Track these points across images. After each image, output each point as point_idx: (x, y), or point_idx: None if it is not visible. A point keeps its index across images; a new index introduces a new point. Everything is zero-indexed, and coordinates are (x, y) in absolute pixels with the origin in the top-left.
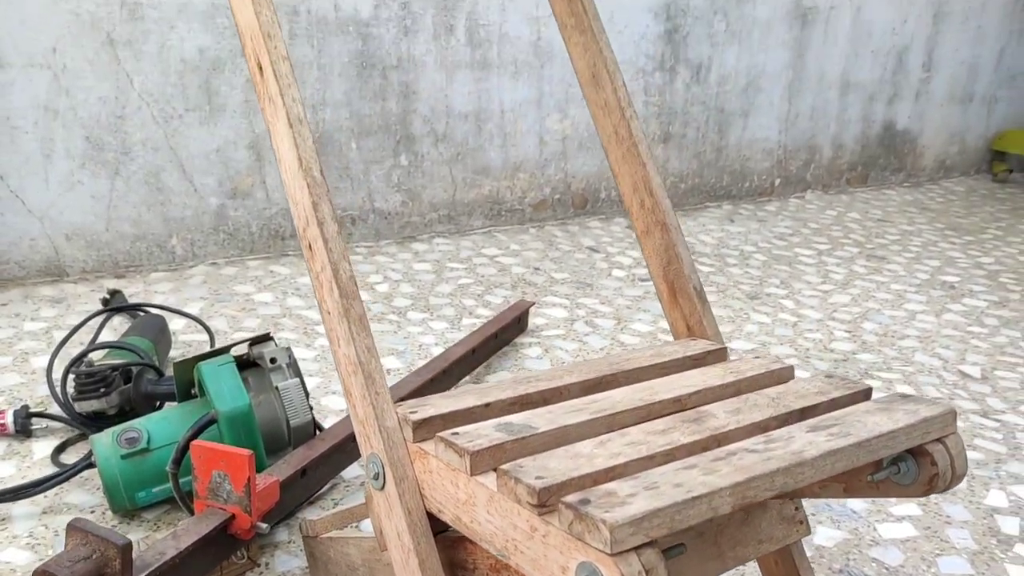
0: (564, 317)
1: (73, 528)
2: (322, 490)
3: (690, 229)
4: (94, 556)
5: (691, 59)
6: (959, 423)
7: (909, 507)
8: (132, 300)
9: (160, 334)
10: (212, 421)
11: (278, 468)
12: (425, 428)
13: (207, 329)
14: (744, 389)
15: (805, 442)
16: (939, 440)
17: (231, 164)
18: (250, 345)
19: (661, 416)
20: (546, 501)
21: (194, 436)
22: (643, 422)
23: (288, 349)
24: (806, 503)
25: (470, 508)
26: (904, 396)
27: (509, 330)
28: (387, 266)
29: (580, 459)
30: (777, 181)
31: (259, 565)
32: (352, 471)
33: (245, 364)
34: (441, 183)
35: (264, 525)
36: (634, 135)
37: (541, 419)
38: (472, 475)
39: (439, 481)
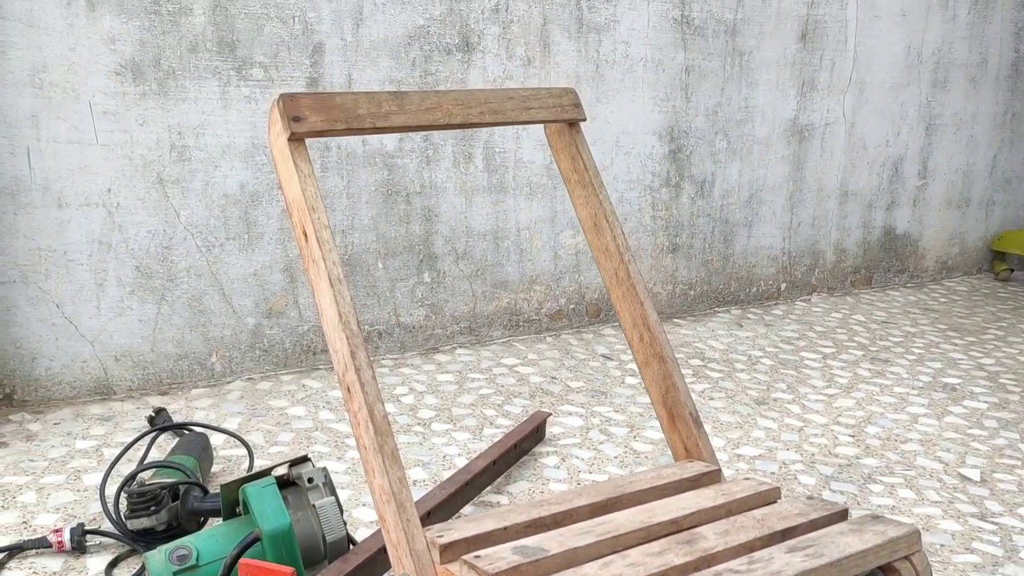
0: (580, 426)
1: None
2: None
3: (700, 335)
4: None
5: (695, 175)
6: (956, 526)
7: None
8: (175, 416)
9: (203, 451)
10: (256, 539)
11: None
12: (451, 551)
13: (245, 445)
14: (734, 510)
15: (783, 563)
16: (906, 558)
17: (267, 287)
18: (290, 466)
19: (659, 537)
20: None
21: (240, 553)
22: (643, 543)
23: (324, 469)
24: None
25: None
26: (875, 517)
27: (528, 440)
28: (412, 378)
29: None
30: (783, 285)
31: None
32: None
33: (285, 483)
34: (462, 297)
35: None
36: (632, 277)
37: (552, 542)
38: None
39: None
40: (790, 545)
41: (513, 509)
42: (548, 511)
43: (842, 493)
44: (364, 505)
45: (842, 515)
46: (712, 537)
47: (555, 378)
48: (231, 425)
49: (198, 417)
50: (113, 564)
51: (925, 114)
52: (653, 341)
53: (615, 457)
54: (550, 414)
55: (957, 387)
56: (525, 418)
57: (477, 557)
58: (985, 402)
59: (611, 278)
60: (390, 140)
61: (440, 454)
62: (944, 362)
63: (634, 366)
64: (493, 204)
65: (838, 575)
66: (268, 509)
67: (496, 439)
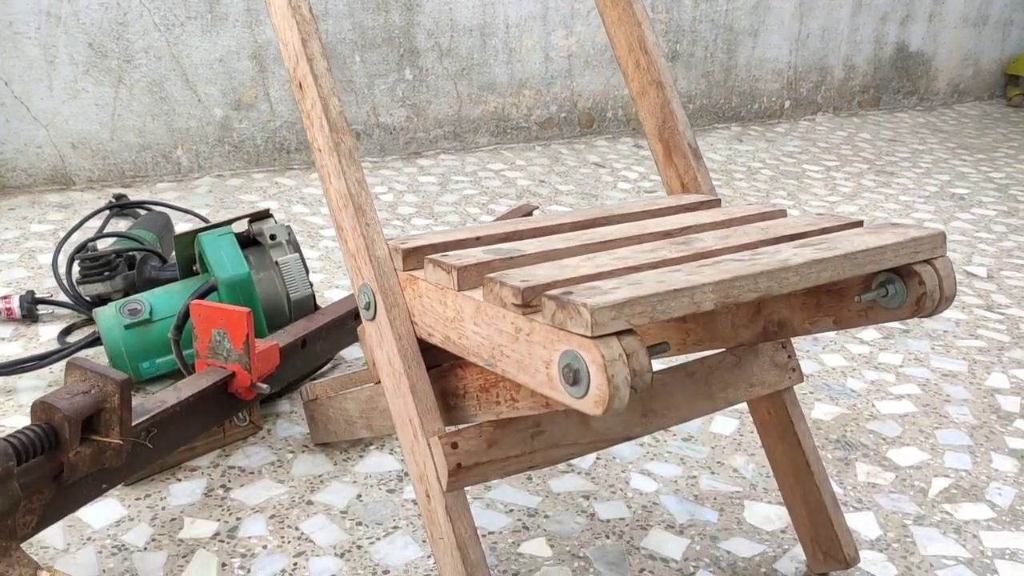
0: None
1: (72, 365)
2: (324, 368)
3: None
4: (93, 391)
5: None
6: (961, 315)
7: (908, 386)
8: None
9: (164, 229)
10: (213, 288)
11: (278, 336)
12: (415, 256)
13: (205, 221)
14: (735, 224)
15: (791, 253)
16: (928, 262)
17: (234, 75)
18: (250, 222)
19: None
20: (530, 300)
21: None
22: (635, 245)
23: (288, 226)
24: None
25: (458, 324)
26: (896, 224)
27: None
28: (392, 179)
29: (566, 268)
30: (787, 103)
31: (261, 428)
32: (353, 352)
33: (246, 242)
34: (446, 99)
35: (264, 385)
36: None
37: (530, 245)
38: (460, 290)
39: (428, 304)
40: (800, 242)
41: (487, 225)
42: (527, 226)
43: None
44: (337, 287)
45: (856, 225)
46: (711, 239)
47: (544, 182)
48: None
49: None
50: (66, 332)
51: None
52: (650, 66)
53: None
54: (536, 207)
55: (965, 196)
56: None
57: (444, 256)
58: (994, 210)
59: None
60: None
61: None
62: (952, 175)
63: (628, 173)
64: None
65: (852, 268)
66: (225, 257)
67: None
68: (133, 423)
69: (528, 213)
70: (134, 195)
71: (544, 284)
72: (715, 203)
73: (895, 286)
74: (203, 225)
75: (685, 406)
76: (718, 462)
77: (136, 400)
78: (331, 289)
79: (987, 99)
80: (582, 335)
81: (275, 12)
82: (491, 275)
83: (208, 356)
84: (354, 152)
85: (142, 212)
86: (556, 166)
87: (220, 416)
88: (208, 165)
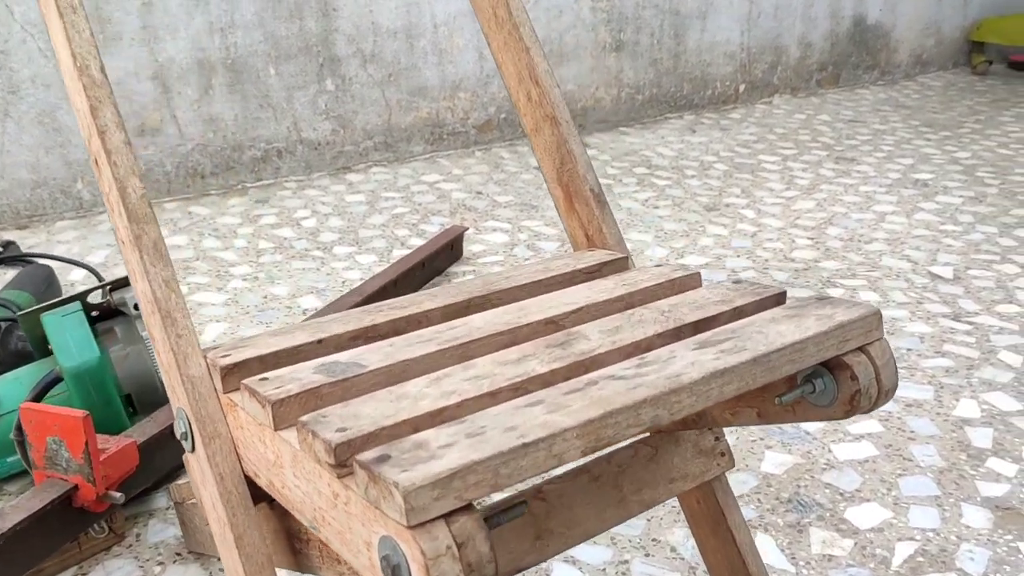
0: (504, 242)
1: None
2: None
3: (648, 142)
4: None
5: None
6: (927, 327)
7: (869, 424)
8: (31, 251)
9: (44, 286)
10: (58, 379)
11: (140, 428)
12: (237, 374)
13: (99, 279)
14: (636, 303)
15: (687, 363)
16: (861, 349)
17: (135, 98)
18: (110, 291)
19: (528, 341)
20: (345, 460)
21: (37, 398)
22: (502, 350)
23: None
24: (750, 427)
25: (279, 470)
26: (822, 299)
27: (440, 258)
28: (317, 199)
29: (403, 401)
30: (742, 87)
31: (125, 537)
32: None
33: (111, 312)
34: (374, 107)
35: (117, 494)
36: (514, 16)
37: (376, 355)
38: (276, 430)
39: (250, 438)
40: (701, 340)
41: (339, 318)
42: (386, 316)
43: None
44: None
45: (778, 299)
46: (596, 336)
47: (481, 193)
48: (97, 259)
49: (60, 251)
50: None
51: None
52: (543, 99)
53: None
54: (467, 228)
55: (929, 182)
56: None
57: (263, 380)
58: (960, 196)
59: (489, 20)
60: None
61: (339, 279)
62: (916, 158)
63: None
64: None
65: (766, 375)
66: (70, 341)
67: (401, 258)
68: None
69: (458, 236)
70: (29, 237)
71: (365, 435)
72: (621, 263)
73: (823, 380)
74: (53, 301)
75: (591, 519)
76: (653, 539)
77: None
78: None
79: (951, 68)
80: (398, 521)
81: (65, 73)
82: (304, 419)
83: (46, 467)
84: (160, 245)
85: (28, 263)
86: (496, 173)
87: (67, 535)
88: None
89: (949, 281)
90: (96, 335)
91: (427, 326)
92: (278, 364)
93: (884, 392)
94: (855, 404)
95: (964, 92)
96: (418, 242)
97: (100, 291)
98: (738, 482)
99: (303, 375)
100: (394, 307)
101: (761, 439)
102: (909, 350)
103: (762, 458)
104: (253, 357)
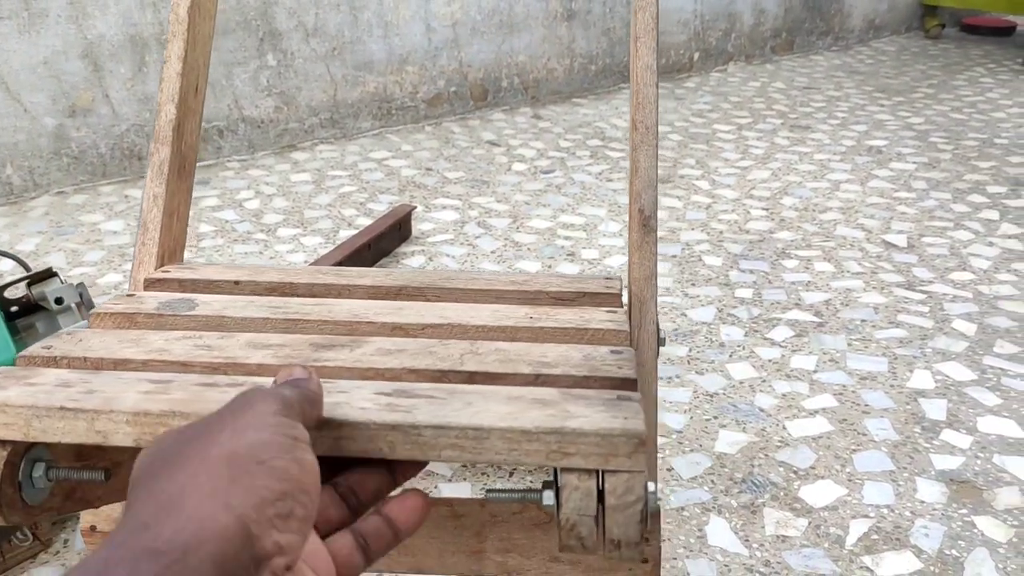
0: (454, 220)
1: None
2: None
3: (602, 113)
4: None
5: None
6: (880, 298)
7: (823, 397)
8: None
9: None
10: None
11: None
12: (156, 287)
13: (26, 269)
14: (503, 338)
15: (366, 401)
16: (594, 471)
17: (64, 78)
18: (28, 285)
19: (358, 335)
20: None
21: None
22: (316, 335)
23: (79, 285)
24: (703, 405)
25: None
26: (621, 397)
27: (386, 239)
28: (261, 180)
29: (134, 346)
30: (696, 55)
31: (51, 544)
32: None
33: (31, 307)
34: (318, 83)
35: None
36: None
37: (224, 304)
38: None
39: None
40: (407, 389)
41: (282, 270)
42: (311, 279)
43: (752, 272)
44: None
45: (622, 384)
46: (375, 350)
47: (431, 170)
48: (27, 246)
49: None
50: None
51: None
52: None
53: (493, 252)
54: (415, 207)
55: (883, 149)
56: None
57: (131, 296)
58: (913, 163)
59: None
60: None
61: (283, 263)
62: (870, 124)
63: (524, 151)
64: None
65: (422, 450)
66: None
67: (345, 240)
68: None
69: (406, 215)
70: None
71: (43, 357)
72: (609, 298)
73: (551, 494)
74: None
75: (428, 556)
76: None
77: None
78: None
79: (904, 32)
80: None
81: None
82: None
83: None
84: (165, 167)
85: None
86: (446, 148)
87: None
88: (45, 182)
89: (903, 249)
90: (15, 332)
91: (347, 297)
92: (195, 290)
93: (612, 542)
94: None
95: (917, 56)
96: (366, 222)
97: (19, 285)
98: (691, 463)
99: (155, 302)
100: (332, 274)
101: (715, 418)
102: (863, 321)
103: (716, 437)
104: (180, 278)
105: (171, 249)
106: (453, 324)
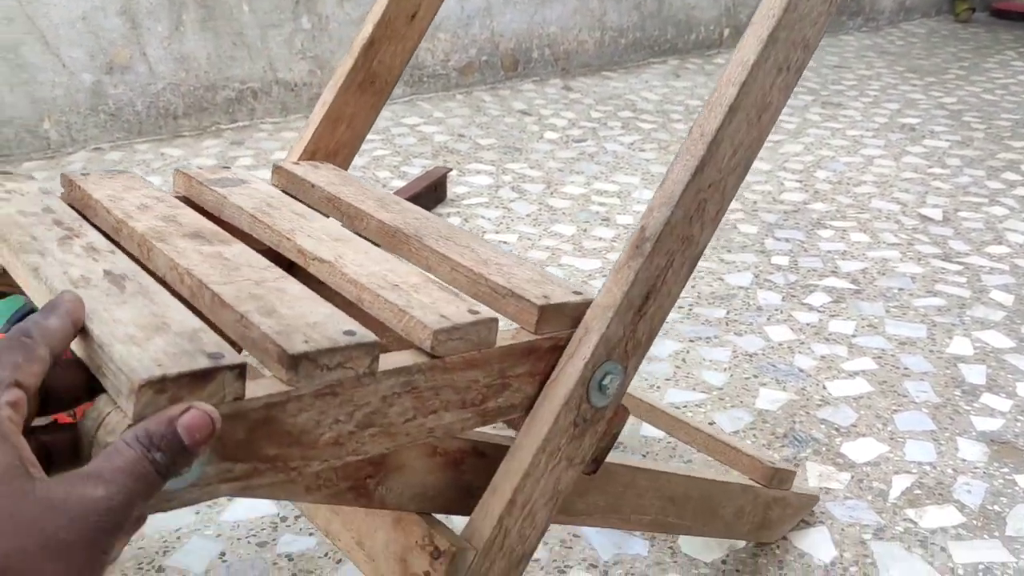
0: (489, 184)
1: None
2: None
3: (632, 87)
4: None
5: None
6: (918, 268)
7: (863, 360)
8: None
9: None
10: (31, 311)
11: None
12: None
13: None
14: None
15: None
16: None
17: (102, 34)
18: None
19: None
20: None
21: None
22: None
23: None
24: (743, 364)
25: None
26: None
27: (423, 199)
28: (294, 142)
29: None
30: (726, 31)
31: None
32: None
33: None
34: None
35: None
36: None
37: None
38: None
39: None
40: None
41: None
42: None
43: (787, 241)
44: None
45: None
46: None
47: (463, 136)
48: None
49: None
50: None
51: None
52: None
53: (528, 215)
54: (450, 169)
55: (916, 127)
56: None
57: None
58: (947, 140)
59: None
60: None
61: None
62: (902, 103)
63: (556, 120)
64: None
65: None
66: None
67: None
68: None
69: (441, 177)
70: None
71: None
72: (570, 308)
73: None
74: None
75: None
76: None
77: None
78: None
79: (934, 16)
80: None
81: None
82: None
83: None
84: None
85: None
86: (477, 116)
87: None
88: (82, 138)
89: (939, 223)
90: None
91: (352, 220)
92: (287, 183)
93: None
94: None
95: (947, 39)
96: (399, 183)
97: None
98: (733, 418)
99: (216, 177)
100: (364, 197)
101: (755, 376)
102: (901, 289)
103: (756, 395)
104: (290, 171)
105: (331, 151)
106: (333, 266)
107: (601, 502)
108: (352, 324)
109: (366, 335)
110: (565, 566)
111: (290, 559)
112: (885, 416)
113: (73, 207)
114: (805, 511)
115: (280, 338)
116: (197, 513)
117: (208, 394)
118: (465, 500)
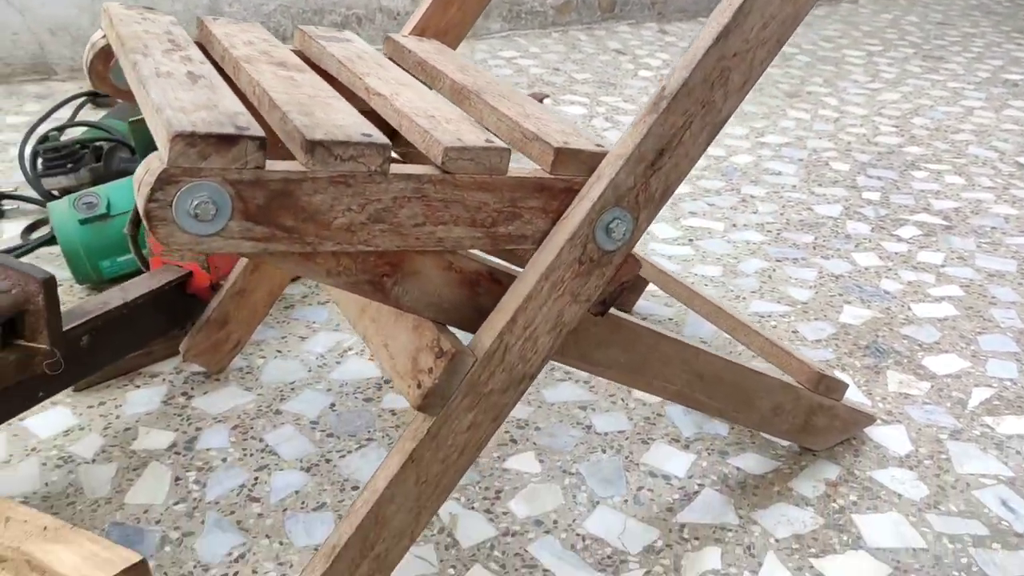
0: (583, 114)
1: None
2: None
3: None
4: (14, 291)
5: None
6: (1012, 210)
7: (950, 287)
8: None
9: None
10: None
11: None
12: None
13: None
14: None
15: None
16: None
17: None
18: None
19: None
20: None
21: None
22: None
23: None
24: (828, 283)
25: None
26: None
27: None
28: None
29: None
30: None
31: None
32: None
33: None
34: None
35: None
36: None
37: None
38: None
39: None
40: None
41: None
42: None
43: (879, 179)
44: None
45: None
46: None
47: (559, 70)
48: None
49: None
50: (31, 228)
51: None
52: None
53: None
54: (547, 95)
55: (1020, 83)
56: None
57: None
58: None
59: None
60: None
61: None
62: (1006, 60)
63: (650, 60)
64: None
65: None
66: None
67: None
68: (69, 326)
69: (539, 100)
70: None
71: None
72: (581, 155)
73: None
74: None
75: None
76: None
77: (75, 302)
78: None
79: None
80: None
81: None
82: None
83: (163, 252)
84: None
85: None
86: (573, 54)
87: (178, 319)
88: None
89: None
90: None
91: (431, 75)
92: (393, 52)
93: None
94: None
95: None
96: None
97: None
98: (816, 329)
99: (327, 36)
100: (455, 66)
101: (840, 295)
102: (994, 228)
103: (840, 311)
104: (399, 42)
105: (441, 29)
106: (387, 99)
107: (622, 359)
108: (372, 129)
109: (380, 138)
110: (649, 438)
111: (393, 413)
112: (969, 336)
113: (199, 44)
114: (857, 428)
115: (306, 129)
116: (309, 371)
117: (232, 158)
118: (479, 321)
